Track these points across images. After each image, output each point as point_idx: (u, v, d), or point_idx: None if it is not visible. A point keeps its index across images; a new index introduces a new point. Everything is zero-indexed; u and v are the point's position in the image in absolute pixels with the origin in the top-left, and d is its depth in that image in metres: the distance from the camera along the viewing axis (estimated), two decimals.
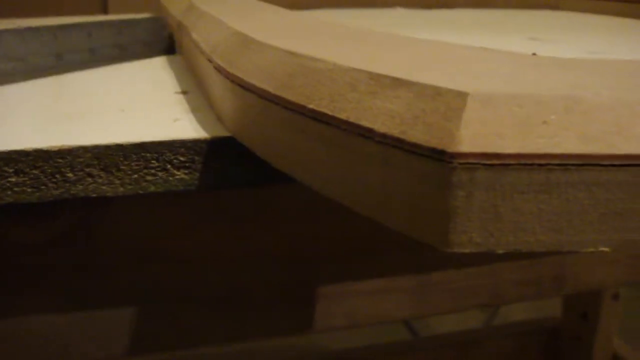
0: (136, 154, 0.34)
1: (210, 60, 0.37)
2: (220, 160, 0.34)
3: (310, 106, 0.26)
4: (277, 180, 0.35)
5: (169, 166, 0.34)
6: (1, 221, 0.39)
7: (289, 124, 0.28)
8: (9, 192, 0.34)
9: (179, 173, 0.34)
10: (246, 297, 0.42)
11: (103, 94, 0.41)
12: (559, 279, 0.47)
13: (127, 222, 0.40)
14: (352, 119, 0.25)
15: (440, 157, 0.22)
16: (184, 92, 0.42)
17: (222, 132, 0.35)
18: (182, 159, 0.34)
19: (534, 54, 0.31)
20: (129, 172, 0.34)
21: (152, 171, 0.34)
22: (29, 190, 0.34)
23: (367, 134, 0.24)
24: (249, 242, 0.41)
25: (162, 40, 0.52)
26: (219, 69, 0.34)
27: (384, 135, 0.23)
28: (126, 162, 0.34)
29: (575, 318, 0.93)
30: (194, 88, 0.43)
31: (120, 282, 0.41)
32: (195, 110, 0.39)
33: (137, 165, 0.34)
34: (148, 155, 0.34)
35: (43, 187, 0.34)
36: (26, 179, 0.33)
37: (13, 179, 0.33)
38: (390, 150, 0.23)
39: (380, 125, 0.24)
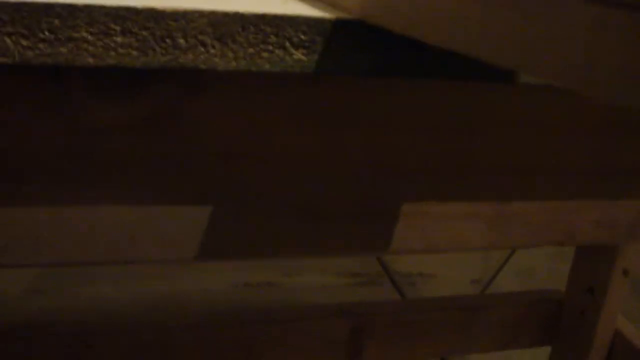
0: (255, 25, 0.31)
1: None
2: (343, 43, 0.32)
3: None
4: (395, 73, 0.33)
5: (287, 44, 0.32)
6: (82, 92, 0.36)
7: None
8: (113, 53, 0.31)
9: (297, 53, 0.32)
10: (323, 208, 0.40)
11: None
12: (633, 225, 0.45)
13: (216, 112, 0.37)
14: None
15: None
16: None
17: (344, 15, 0.32)
18: (302, 37, 0.32)
19: None
20: (245, 46, 0.31)
21: (270, 47, 0.31)
22: (135, 53, 0.31)
23: None
24: (337, 148, 0.39)
25: None
26: None
27: None
28: (243, 34, 0.31)
29: (580, 292, 0.93)
30: None
31: (197, 179, 0.38)
32: None
33: (254, 38, 0.31)
34: (268, 29, 0.31)
35: (150, 51, 0.31)
36: (133, 40, 0.31)
37: (119, 39, 0.31)
38: (605, 10, 0.21)
39: None
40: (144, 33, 0.30)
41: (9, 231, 0.37)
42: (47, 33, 0.30)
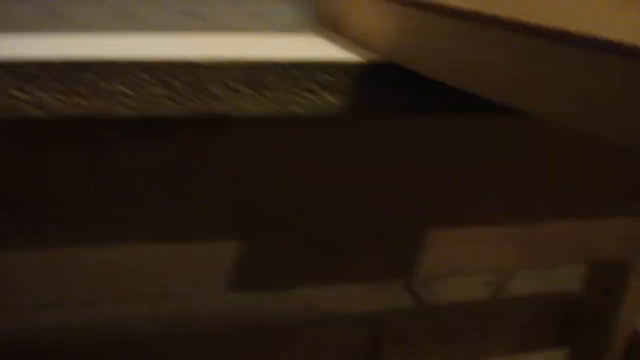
0: (287, 71, 0.32)
1: None
2: (373, 85, 0.32)
3: (530, 22, 0.25)
4: (422, 111, 0.33)
5: (318, 88, 0.32)
6: (114, 138, 0.36)
7: (496, 42, 0.26)
8: (148, 104, 0.31)
9: (328, 96, 0.32)
10: (351, 238, 0.41)
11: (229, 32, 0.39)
12: None
13: (244, 151, 0.37)
14: (595, 34, 0.23)
15: None
16: (309, 29, 0.40)
17: (374, 58, 0.33)
18: (333, 80, 0.32)
19: None
20: (277, 91, 0.32)
21: (301, 91, 0.32)
22: (170, 103, 0.31)
23: (611, 48, 0.22)
24: (362, 178, 0.40)
25: None
26: None
27: (634, 48, 0.22)
28: (275, 80, 0.32)
29: (596, 293, 0.93)
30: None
31: (225, 213, 0.39)
32: (331, 40, 0.37)
33: (286, 83, 0.32)
34: (299, 74, 0.32)
35: (185, 100, 0.31)
36: (168, 90, 0.31)
37: (154, 90, 0.31)
38: (603, 57, 0.22)
39: (630, 39, 0.22)
40: (179, 84, 0.31)
41: (47, 269, 0.38)
42: (83, 88, 0.31)
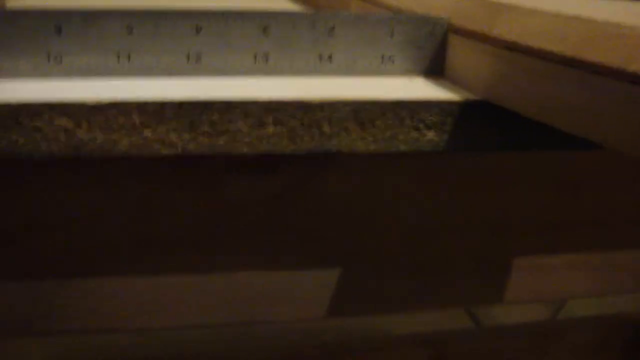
0: (392, 111, 0.34)
1: (459, 31, 0.37)
2: (470, 123, 0.35)
3: (631, 69, 0.27)
4: (516, 148, 0.36)
5: (421, 125, 0.35)
6: (219, 176, 0.39)
7: (590, 87, 0.28)
8: (265, 142, 0.34)
9: (429, 133, 0.35)
10: (439, 266, 0.43)
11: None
12: None
13: (343, 185, 0.40)
14: None
15: None
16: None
17: (469, 96, 0.35)
18: (434, 119, 0.35)
19: None
20: (383, 129, 0.34)
21: (405, 130, 0.35)
22: (285, 141, 0.34)
23: None
24: (452, 209, 0.42)
25: None
26: (475, 35, 0.35)
27: None
28: (382, 119, 0.34)
29: None
30: None
31: (323, 244, 0.42)
32: (434, 81, 0.39)
33: (392, 122, 0.34)
34: (403, 113, 0.34)
35: (298, 139, 0.34)
36: (283, 129, 0.34)
37: (271, 129, 0.34)
38: None
39: None
40: (293, 123, 0.34)
41: (156, 295, 0.41)
42: (206, 127, 0.34)
